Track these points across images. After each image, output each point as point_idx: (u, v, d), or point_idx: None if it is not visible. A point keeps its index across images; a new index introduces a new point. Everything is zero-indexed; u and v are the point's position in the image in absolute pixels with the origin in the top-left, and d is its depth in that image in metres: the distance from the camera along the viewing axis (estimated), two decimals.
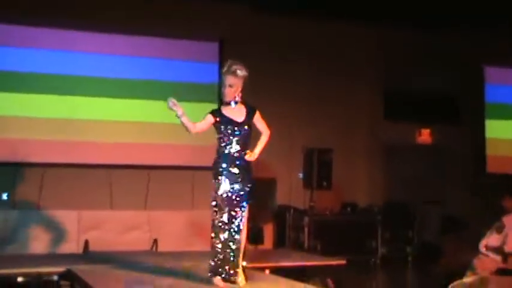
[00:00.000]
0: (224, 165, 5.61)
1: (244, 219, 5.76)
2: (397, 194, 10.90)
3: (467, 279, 5.75)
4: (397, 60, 11.25)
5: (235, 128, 5.65)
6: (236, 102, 5.74)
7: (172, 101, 5.45)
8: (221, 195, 5.58)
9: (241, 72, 5.66)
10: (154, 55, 10.15)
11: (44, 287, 6.72)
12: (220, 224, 5.57)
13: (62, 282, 6.76)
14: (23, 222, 9.04)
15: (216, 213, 5.61)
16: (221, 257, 5.57)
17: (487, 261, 6.23)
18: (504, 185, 7.43)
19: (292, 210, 10.32)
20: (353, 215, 10.47)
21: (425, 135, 11.36)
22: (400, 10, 10.23)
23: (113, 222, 9.48)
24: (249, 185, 5.71)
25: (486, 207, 8.80)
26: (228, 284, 5.58)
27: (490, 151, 11.91)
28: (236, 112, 5.73)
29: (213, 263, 5.61)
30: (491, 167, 11.78)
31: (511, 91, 12.18)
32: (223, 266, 5.58)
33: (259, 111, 5.91)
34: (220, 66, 10.36)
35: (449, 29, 10.97)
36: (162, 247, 9.35)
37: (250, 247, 9.91)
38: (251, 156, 5.67)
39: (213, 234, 5.65)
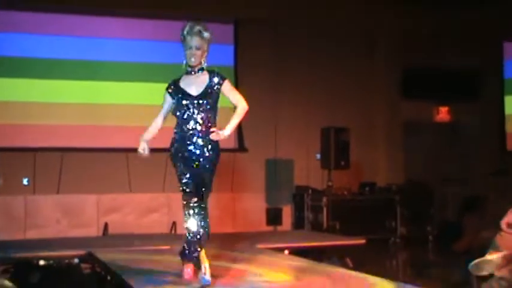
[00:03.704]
0: (180, 146, 4.87)
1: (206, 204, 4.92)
2: (416, 173, 10.89)
3: (490, 256, 5.68)
4: (415, 37, 11.16)
5: (190, 102, 4.84)
6: (201, 70, 4.93)
7: (140, 154, 5.18)
8: (181, 179, 4.87)
9: (206, 32, 4.87)
10: (170, 38, 10.11)
11: (65, 270, 6.73)
12: (186, 208, 4.83)
13: (83, 265, 6.76)
14: (44, 206, 9.18)
15: (183, 198, 4.88)
16: (190, 243, 4.85)
17: (509, 239, 6.15)
18: None
19: (310, 191, 10.33)
20: (372, 194, 10.45)
21: (443, 113, 11.30)
22: None
23: (132, 206, 9.61)
24: (211, 167, 4.88)
25: (507, 185, 8.75)
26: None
27: (510, 128, 11.83)
28: (195, 82, 4.90)
29: (183, 249, 4.96)
30: None
31: None
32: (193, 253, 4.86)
33: (229, 80, 5.02)
34: (236, 48, 10.37)
35: (468, 5, 10.84)
36: (181, 229, 9.38)
37: (269, 228, 9.97)
38: (217, 135, 4.78)
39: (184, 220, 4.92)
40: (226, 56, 10.15)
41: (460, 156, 11.02)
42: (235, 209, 9.86)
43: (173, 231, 9.40)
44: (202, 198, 4.84)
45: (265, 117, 10.01)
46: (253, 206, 9.93)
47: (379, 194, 10.50)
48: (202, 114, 4.83)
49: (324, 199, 9.98)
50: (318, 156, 10.42)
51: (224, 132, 4.80)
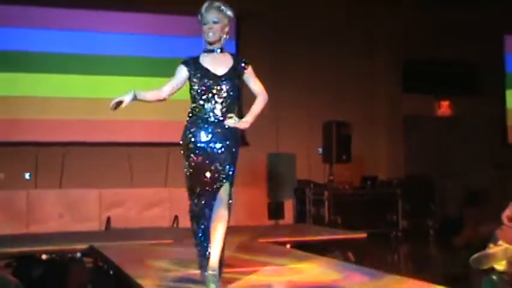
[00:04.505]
0: (198, 134, 4.27)
1: (225, 202, 4.29)
2: (417, 167, 10.90)
3: (490, 250, 5.72)
4: (415, 32, 11.17)
5: (214, 83, 4.29)
6: (221, 49, 4.44)
7: (114, 102, 4.41)
8: (195, 173, 4.28)
9: (225, 7, 4.40)
10: (171, 33, 10.16)
11: (68, 264, 6.80)
12: (197, 210, 4.35)
13: (86, 259, 6.85)
14: (46, 201, 9.18)
15: (191, 197, 4.37)
16: (203, 250, 4.42)
17: (509, 232, 6.19)
18: None
19: (312, 185, 10.33)
20: (373, 188, 10.42)
21: (444, 107, 11.30)
22: None
23: (134, 200, 9.59)
24: (232, 159, 4.33)
25: (508, 179, 8.76)
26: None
27: (511, 122, 11.86)
28: (218, 62, 4.39)
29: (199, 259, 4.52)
30: None
31: None
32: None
33: (253, 67, 4.54)
34: (238, 43, 10.38)
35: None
36: (183, 223, 9.40)
37: (271, 222, 9.98)
38: (238, 122, 4.32)
39: (191, 224, 4.44)
40: (228, 49, 10.16)
41: (461, 150, 11.01)
42: (237, 202, 9.84)
43: (175, 225, 9.42)
44: (217, 191, 4.28)
45: (267, 111, 9.99)
46: (255, 200, 9.92)
47: (380, 188, 10.48)
48: (224, 97, 4.33)
49: (326, 193, 9.97)
50: (320, 150, 10.37)
51: (243, 121, 4.36)
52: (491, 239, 6.21)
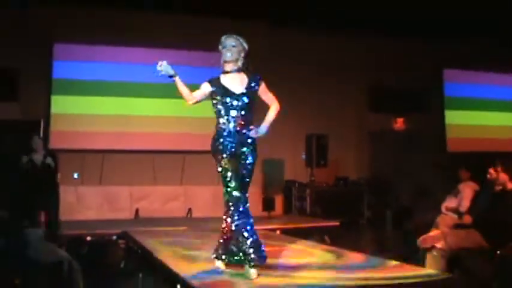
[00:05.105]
0: (224, 144, 4.06)
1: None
2: (379, 169, 10.93)
3: (432, 233, 5.88)
4: (378, 64, 11.30)
5: (233, 100, 4.08)
6: (239, 70, 4.18)
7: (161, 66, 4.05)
8: (229, 174, 4.02)
9: (242, 40, 4.20)
10: (184, 63, 10.25)
11: (106, 244, 6.90)
12: (232, 202, 4.06)
13: (120, 241, 6.91)
14: (89, 195, 9.34)
15: (227, 192, 4.07)
16: (229, 240, 4.11)
17: (447, 219, 6.37)
18: (460, 160, 7.51)
19: (297, 184, 10.43)
20: (345, 186, 10.51)
21: (400, 123, 11.28)
22: (381, 28, 10.43)
23: (156, 195, 9.68)
24: (252, 164, 4.17)
25: (447, 178, 8.83)
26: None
27: (449, 134, 12.00)
28: (236, 81, 4.15)
29: (221, 245, 4.20)
30: (451, 147, 11.86)
31: (463, 88, 12.24)
32: (230, 250, 4.12)
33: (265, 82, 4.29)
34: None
35: (418, 40, 11.09)
36: (194, 214, 9.58)
37: (264, 213, 10.09)
38: (256, 132, 4.11)
39: (225, 217, 4.15)
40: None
41: (412, 156, 11.03)
42: None
43: (189, 216, 9.54)
44: (246, 192, 4.11)
45: None
46: (251, 196, 9.99)
47: (350, 186, 10.55)
48: (244, 112, 4.09)
49: (308, 190, 10.10)
50: (303, 156, 10.49)
51: (261, 129, 4.15)
52: (433, 224, 6.41)
